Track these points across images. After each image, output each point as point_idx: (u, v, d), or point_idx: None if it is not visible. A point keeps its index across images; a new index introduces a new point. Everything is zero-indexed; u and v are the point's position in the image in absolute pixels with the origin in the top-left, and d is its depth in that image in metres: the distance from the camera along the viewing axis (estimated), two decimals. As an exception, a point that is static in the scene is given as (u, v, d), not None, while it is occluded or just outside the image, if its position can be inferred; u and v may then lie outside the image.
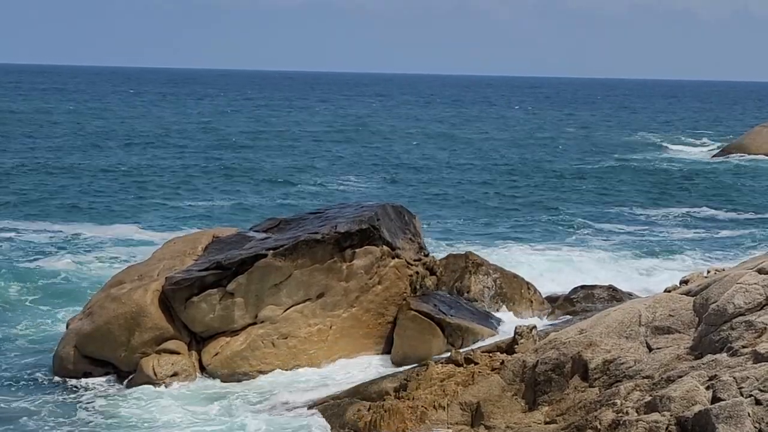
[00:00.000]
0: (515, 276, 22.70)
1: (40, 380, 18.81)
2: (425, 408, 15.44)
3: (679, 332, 14.66)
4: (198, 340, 19.07)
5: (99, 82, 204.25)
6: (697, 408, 12.54)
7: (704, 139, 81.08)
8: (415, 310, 19.27)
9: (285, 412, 16.99)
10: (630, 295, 21.92)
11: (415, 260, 20.35)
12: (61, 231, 33.40)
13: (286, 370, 18.87)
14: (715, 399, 12.61)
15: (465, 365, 16.20)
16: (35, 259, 28.82)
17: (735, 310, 14.10)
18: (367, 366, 19.01)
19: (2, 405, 17.36)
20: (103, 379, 18.80)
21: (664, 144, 76.27)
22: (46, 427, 16.49)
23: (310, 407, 17.01)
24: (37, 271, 27.05)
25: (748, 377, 12.62)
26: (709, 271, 18.19)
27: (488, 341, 18.47)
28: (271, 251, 19.01)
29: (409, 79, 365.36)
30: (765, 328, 13.54)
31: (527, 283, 22.62)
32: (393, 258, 19.71)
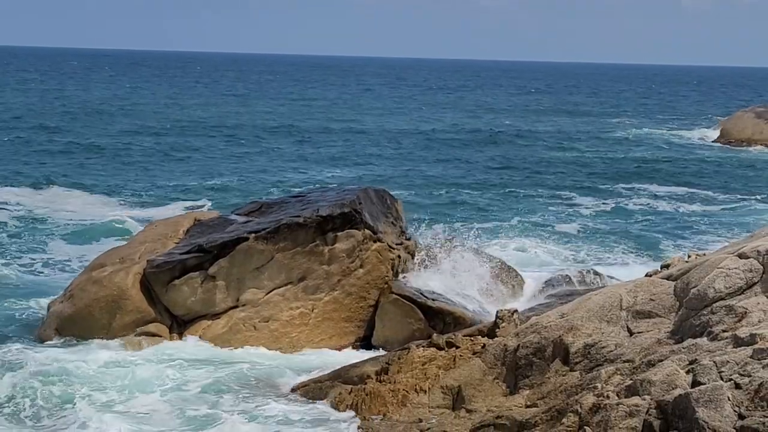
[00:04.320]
0: (497, 260, 22.72)
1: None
2: (406, 391, 15.44)
3: (660, 316, 14.69)
4: (179, 323, 19.02)
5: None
6: (677, 392, 12.56)
7: (684, 124, 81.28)
8: (397, 294, 19.28)
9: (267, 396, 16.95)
10: (611, 279, 21.98)
11: (396, 244, 20.34)
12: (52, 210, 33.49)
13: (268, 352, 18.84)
14: (695, 383, 12.64)
15: (446, 349, 16.19)
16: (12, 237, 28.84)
17: (715, 294, 14.13)
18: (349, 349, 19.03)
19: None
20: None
21: (644, 128, 76.41)
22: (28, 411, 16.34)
23: (292, 390, 17.00)
24: (15, 251, 26.98)
25: (728, 361, 12.65)
26: (690, 256, 18.19)
27: (470, 325, 18.47)
28: (253, 234, 18.97)
29: (389, 62, 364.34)
30: (745, 313, 13.58)
31: (509, 267, 22.65)
32: (375, 242, 19.70)
